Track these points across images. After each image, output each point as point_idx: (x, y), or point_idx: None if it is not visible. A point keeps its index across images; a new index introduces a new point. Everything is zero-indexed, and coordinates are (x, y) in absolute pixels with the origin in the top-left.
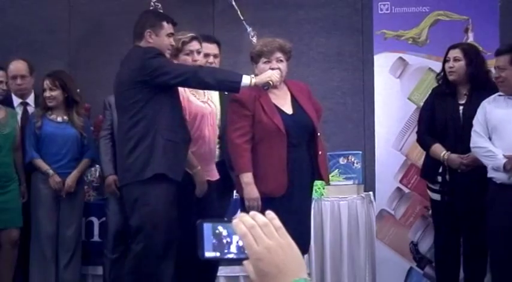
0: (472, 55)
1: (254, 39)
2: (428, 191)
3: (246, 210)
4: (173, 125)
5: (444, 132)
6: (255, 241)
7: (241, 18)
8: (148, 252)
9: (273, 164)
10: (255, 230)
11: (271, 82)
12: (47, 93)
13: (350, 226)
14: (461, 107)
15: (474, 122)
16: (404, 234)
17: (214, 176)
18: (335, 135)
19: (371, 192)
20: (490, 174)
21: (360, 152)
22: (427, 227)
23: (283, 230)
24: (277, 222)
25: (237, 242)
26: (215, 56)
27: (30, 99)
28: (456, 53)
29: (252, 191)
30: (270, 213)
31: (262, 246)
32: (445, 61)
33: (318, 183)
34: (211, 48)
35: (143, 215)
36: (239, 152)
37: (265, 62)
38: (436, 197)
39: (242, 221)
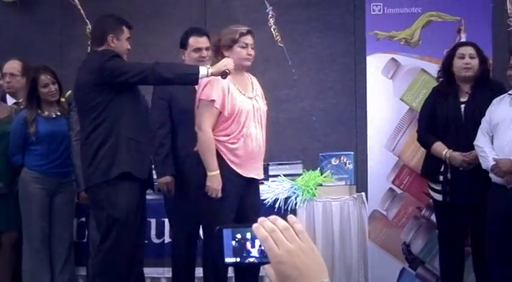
0: (482, 53)
1: (271, 21)
2: (430, 191)
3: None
4: (135, 124)
5: (445, 130)
6: (276, 244)
7: None
8: (117, 252)
9: None
10: (276, 233)
11: (227, 70)
12: (52, 88)
13: (342, 227)
14: (462, 105)
15: (482, 119)
16: (396, 234)
17: (262, 174)
18: (327, 136)
19: (363, 193)
20: (490, 173)
21: (352, 153)
22: (419, 228)
23: (304, 234)
24: (298, 226)
25: (259, 247)
26: (207, 48)
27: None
28: (471, 50)
29: None
30: (291, 217)
31: (283, 250)
32: (452, 58)
33: (310, 184)
34: (202, 41)
35: (111, 215)
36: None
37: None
38: (438, 197)
39: (262, 225)
